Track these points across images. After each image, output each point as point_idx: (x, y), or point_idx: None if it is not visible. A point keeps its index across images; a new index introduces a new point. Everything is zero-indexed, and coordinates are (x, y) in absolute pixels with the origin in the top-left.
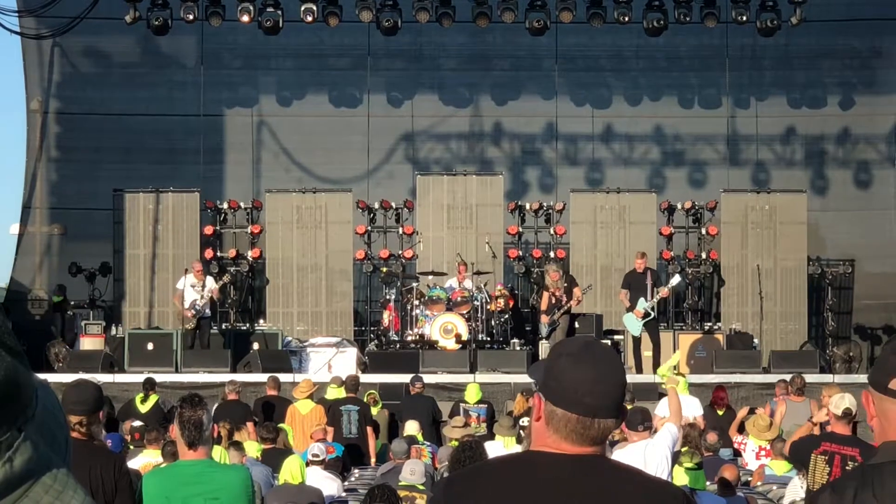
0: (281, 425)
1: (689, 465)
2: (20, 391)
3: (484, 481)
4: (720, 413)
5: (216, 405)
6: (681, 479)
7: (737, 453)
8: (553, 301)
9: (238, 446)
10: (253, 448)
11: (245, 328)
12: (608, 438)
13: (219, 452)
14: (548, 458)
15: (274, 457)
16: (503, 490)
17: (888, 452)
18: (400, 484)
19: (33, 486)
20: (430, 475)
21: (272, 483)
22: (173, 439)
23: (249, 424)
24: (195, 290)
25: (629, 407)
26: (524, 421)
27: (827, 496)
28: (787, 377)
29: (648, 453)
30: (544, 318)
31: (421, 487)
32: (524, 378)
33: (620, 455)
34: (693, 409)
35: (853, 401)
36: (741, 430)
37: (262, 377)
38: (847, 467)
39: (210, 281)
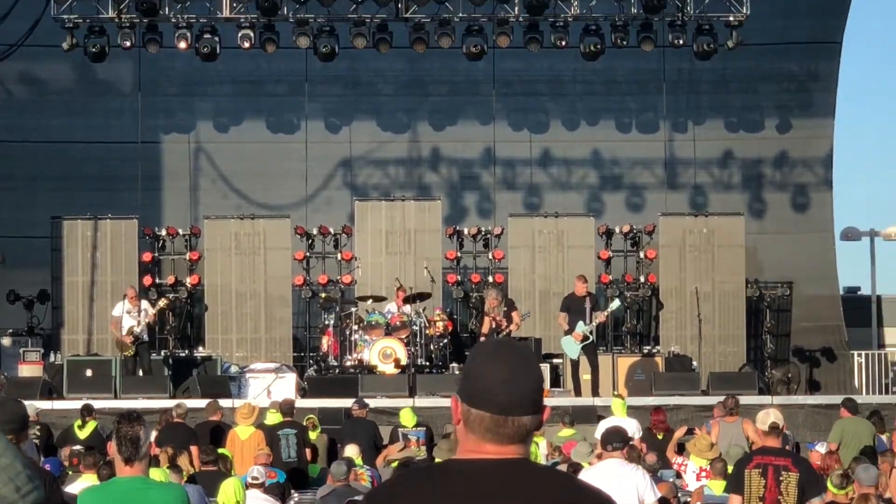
0: (221, 450)
1: None
2: None
3: (404, 494)
4: (660, 437)
5: (159, 428)
6: None
7: (677, 475)
8: (493, 325)
9: (177, 469)
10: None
11: (184, 355)
12: (531, 436)
13: (159, 474)
14: (466, 465)
15: (213, 478)
16: (423, 501)
17: None
18: None
19: None
20: None
21: (206, 502)
22: (110, 461)
23: (194, 449)
24: (131, 315)
25: (572, 430)
26: None
27: None
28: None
29: (625, 473)
30: None
31: None
32: None
33: (590, 472)
34: (631, 431)
35: (779, 415)
36: (680, 450)
37: (202, 402)
38: (780, 478)
39: (146, 305)
